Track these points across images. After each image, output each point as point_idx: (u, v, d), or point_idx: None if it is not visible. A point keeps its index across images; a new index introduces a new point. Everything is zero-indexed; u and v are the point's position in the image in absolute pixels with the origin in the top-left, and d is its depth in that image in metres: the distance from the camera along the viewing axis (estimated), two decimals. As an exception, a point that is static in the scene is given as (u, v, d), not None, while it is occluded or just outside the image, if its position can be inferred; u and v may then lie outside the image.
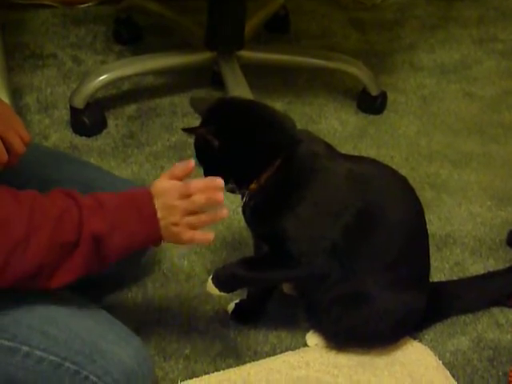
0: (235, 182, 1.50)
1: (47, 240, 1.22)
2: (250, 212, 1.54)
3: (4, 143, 1.37)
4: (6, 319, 1.27)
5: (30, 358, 1.26)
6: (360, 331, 1.59)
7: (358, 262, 1.52)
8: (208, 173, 1.49)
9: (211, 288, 1.51)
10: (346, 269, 1.51)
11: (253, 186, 1.50)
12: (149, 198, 1.32)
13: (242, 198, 1.54)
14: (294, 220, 1.47)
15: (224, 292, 1.51)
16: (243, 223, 1.59)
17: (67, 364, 1.27)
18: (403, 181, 1.60)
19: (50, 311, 1.31)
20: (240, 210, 1.56)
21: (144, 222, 1.31)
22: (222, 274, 1.52)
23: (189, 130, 1.52)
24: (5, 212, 1.20)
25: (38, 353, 1.27)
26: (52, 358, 1.27)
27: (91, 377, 1.28)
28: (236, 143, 1.46)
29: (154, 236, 1.33)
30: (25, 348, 1.26)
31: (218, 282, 1.50)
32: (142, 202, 1.31)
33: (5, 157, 1.37)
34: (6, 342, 1.26)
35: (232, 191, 1.53)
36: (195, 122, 1.49)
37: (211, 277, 1.51)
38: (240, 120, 1.48)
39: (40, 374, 1.27)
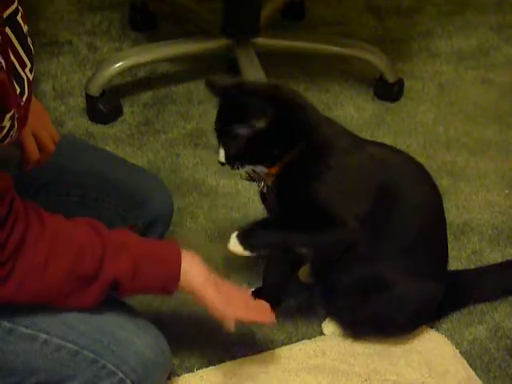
0: (258, 165, 1.49)
1: (66, 269, 1.21)
2: (278, 192, 1.51)
3: (37, 142, 1.37)
4: (25, 309, 1.26)
5: (48, 346, 1.26)
6: (377, 319, 1.59)
7: (378, 242, 1.51)
8: (230, 157, 1.47)
9: (235, 245, 1.43)
10: (368, 247, 1.50)
11: (272, 169, 1.49)
12: (176, 251, 1.34)
13: (259, 185, 1.53)
14: (324, 187, 1.45)
15: (248, 251, 1.43)
16: (259, 211, 1.58)
17: (85, 352, 1.27)
18: (421, 167, 1.59)
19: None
20: (256, 198, 1.55)
21: (166, 273, 1.33)
22: (250, 231, 1.45)
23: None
24: (28, 234, 1.19)
25: (57, 340, 1.27)
26: (70, 345, 1.27)
27: (109, 365, 1.27)
28: (280, 126, 1.44)
29: (170, 286, 1.35)
30: (43, 335, 1.26)
31: (244, 240, 1.43)
32: (168, 254, 1.34)
33: (37, 156, 1.38)
34: (25, 330, 1.26)
35: (251, 180, 1.53)
36: (211, 109, 1.49)
37: (235, 234, 1.44)
38: (285, 102, 1.46)
39: (58, 361, 1.27)
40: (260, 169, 1.49)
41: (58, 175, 1.51)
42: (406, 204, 1.51)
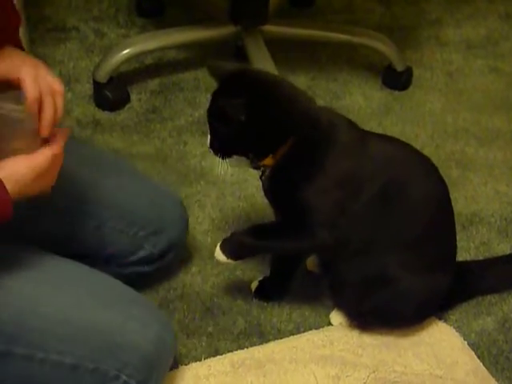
0: (251, 155, 1.49)
1: None
2: (269, 185, 1.52)
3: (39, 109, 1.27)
4: (18, 328, 1.25)
5: (46, 364, 1.25)
6: (384, 312, 1.58)
7: (381, 237, 1.50)
8: (214, 145, 1.48)
9: (219, 255, 1.51)
10: (371, 242, 1.50)
11: (269, 160, 1.48)
12: None
13: (260, 173, 1.53)
14: (312, 191, 1.45)
15: (232, 260, 1.51)
16: (266, 201, 1.58)
17: (85, 363, 1.26)
18: (427, 160, 1.57)
19: (64, 307, 1.30)
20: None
21: None
22: (231, 242, 1.51)
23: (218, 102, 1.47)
24: None
25: (54, 357, 1.25)
26: (68, 360, 1.25)
27: (111, 371, 1.26)
28: (261, 118, 1.44)
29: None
30: (40, 354, 1.25)
31: (226, 250, 1.50)
32: None
33: (37, 94, 1.26)
34: (21, 350, 1.24)
35: (256, 168, 1.52)
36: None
37: (219, 244, 1.51)
38: (265, 94, 1.45)
39: (59, 377, 1.26)
40: (244, 160, 1.50)
41: (77, 205, 1.50)
42: (410, 200, 1.50)
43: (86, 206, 1.51)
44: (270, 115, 1.44)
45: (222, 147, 1.48)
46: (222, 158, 1.49)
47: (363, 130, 1.55)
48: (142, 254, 1.57)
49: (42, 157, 1.23)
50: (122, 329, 1.30)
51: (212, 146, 1.49)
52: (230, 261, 1.51)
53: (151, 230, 1.57)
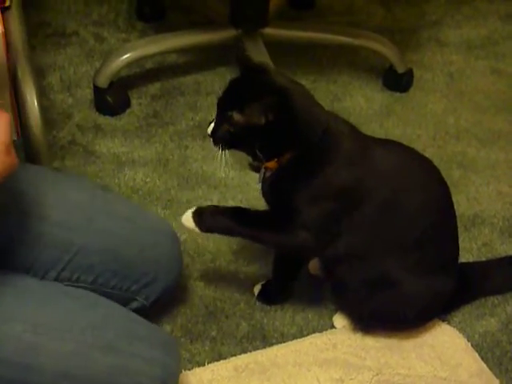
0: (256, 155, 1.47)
1: None
2: (269, 187, 1.52)
3: None
4: (30, 372, 1.23)
5: None
6: (386, 315, 1.58)
7: (383, 242, 1.50)
8: (217, 135, 1.45)
9: (188, 221, 1.48)
10: (373, 246, 1.50)
11: (273, 163, 1.48)
12: None
13: (260, 173, 1.52)
14: (307, 197, 1.45)
15: (199, 230, 1.49)
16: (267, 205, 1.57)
17: None
18: (428, 163, 1.57)
19: (72, 348, 1.26)
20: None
21: None
22: (208, 214, 1.49)
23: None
24: None
25: None
26: None
27: None
28: (279, 123, 1.40)
29: None
30: None
31: (199, 220, 1.48)
32: None
33: None
34: None
35: (256, 170, 1.52)
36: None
37: (193, 210, 1.49)
38: (287, 100, 1.41)
39: None
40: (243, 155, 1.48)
41: (70, 254, 1.43)
42: (412, 205, 1.50)
43: (76, 258, 1.44)
44: (289, 121, 1.41)
45: (226, 139, 1.44)
46: (222, 149, 1.45)
47: (365, 136, 1.54)
48: (134, 305, 1.51)
49: None
50: (126, 373, 1.28)
51: (214, 134, 1.46)
52: (196, 229, 1.49)
53: (144, 282, 1.50)
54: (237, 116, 1.41)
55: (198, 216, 1.49)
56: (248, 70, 1.48)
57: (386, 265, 1.51)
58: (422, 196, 1.51)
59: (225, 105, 1.45)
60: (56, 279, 1.42)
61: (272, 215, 1.52)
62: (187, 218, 1.49)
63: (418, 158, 1.57)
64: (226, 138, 1.44)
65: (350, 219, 1.46)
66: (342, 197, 1.46)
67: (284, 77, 1.48)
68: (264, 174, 1.51)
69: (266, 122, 1.39)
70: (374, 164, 1.48)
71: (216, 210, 1.51)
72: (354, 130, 1.52)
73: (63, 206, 1.45)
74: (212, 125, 1.47)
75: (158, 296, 1.53)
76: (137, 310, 1.50)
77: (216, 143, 1.46)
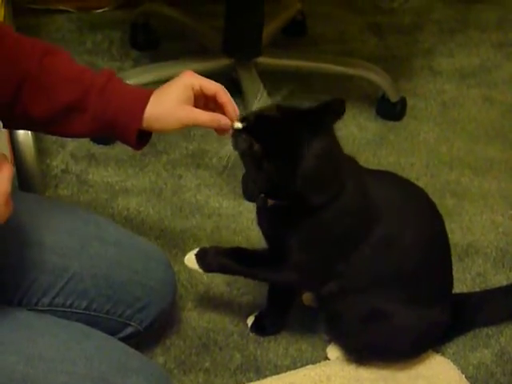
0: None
1: None
2: (268, 218, 1.51)
3: None
4: None
5: None
6: (380, 346, 1.57)
7: (374, 278, 1.49)
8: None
9: (191, 262, 1.52)
10: (363, 285, 1.50)
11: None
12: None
13: (257, 202, 1.51)
14: (301, 241, 1.45)
15: (203, 271, 1.53)
16: (262, 234, 1.57)
17: None
18: (423, 195, 1.57)
19: (65, 379, 1.25)
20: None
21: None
22: (209, 256, 1.52)
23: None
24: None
25: None
26: None
27: None
28: (281, 158, 1.37)
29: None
30: None
31: (201, 261, 1.52)
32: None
33: None
34: None
35: (250, 199, 1.52)
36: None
37: (195, 252, 1.52)
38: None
39: None
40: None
41: (64, 279, 1.43)
42: (406, 240, 1.49)
43: (69, 283, 1.44)
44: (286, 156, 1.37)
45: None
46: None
47: (360, 170, 1.51)
48: (129, 331, 1.51)
49: None
50: None
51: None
52: (200, 270, 1.53)
53: (138, 307, 1.50)
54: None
55: (201, 257, 1.52)
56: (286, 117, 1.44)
57: (380, 297, 1.50)
58: (417, 230, 1.50)
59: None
60: (50, 305, 1.42)
61: (268, 252, 1.52)
62: (190, 259, 1.52)
63: (413, 190, 1.57)
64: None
65: (346, 261, 1.46)
66: (341, 242, 1.46)
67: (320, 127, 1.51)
68: (262, 204, 1.50)
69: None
70: (372, 203, 1.46)
71: (218, 251, 1.53)
72: (350, 165, 1.49)
73: (57, 232, 1.46)
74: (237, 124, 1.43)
75: (152, 321, 1.53)
76: (131, 336, 1.51)
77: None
